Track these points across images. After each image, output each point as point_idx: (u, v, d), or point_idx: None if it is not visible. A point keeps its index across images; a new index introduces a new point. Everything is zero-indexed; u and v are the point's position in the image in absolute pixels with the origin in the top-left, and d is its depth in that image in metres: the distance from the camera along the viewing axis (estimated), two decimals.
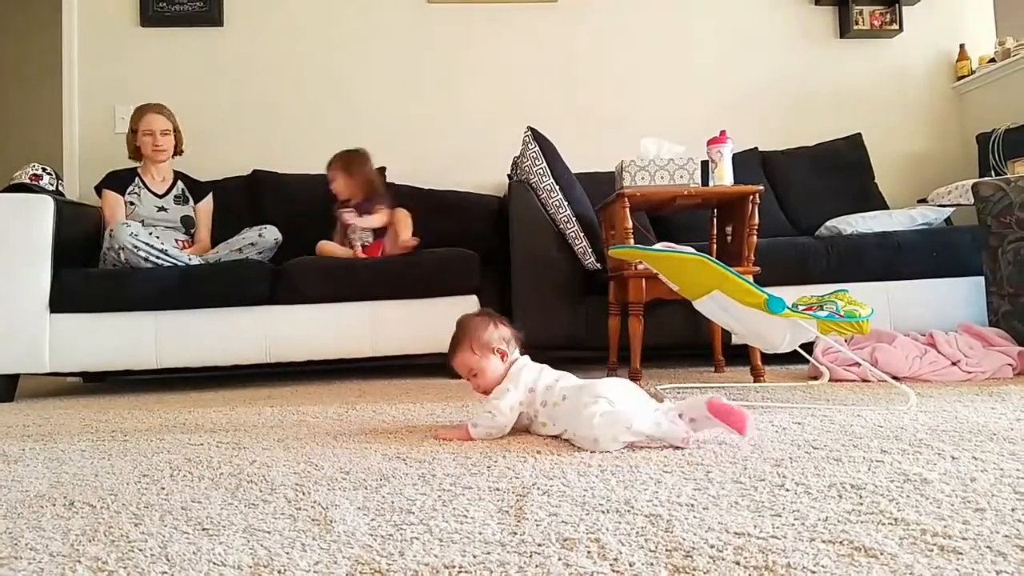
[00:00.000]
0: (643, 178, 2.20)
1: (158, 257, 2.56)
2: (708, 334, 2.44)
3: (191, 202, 2.98)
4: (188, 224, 2.94)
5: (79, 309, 2.46)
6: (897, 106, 3.81)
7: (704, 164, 2.26)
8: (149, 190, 2.87)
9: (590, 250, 2.55)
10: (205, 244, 2.96)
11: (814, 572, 0.66)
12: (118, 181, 2.85)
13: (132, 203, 2.82)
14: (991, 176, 3.12)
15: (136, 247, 2.51)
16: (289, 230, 2.94)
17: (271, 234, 2.83)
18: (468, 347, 1.45)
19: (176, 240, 2.84)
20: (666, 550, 0.73)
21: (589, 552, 0.73)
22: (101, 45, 3.48)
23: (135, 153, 2.93)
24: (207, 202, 3.03)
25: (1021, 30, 3.63)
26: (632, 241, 2.16)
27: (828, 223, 2.83)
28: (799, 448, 1.20)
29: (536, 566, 0.70)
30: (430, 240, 2.84)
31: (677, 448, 1.22)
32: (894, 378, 1.84)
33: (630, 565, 0.69)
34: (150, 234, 2.60)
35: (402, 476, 1.09)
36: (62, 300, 2.45)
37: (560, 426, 1.35)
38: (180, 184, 2.98)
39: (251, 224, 2.98)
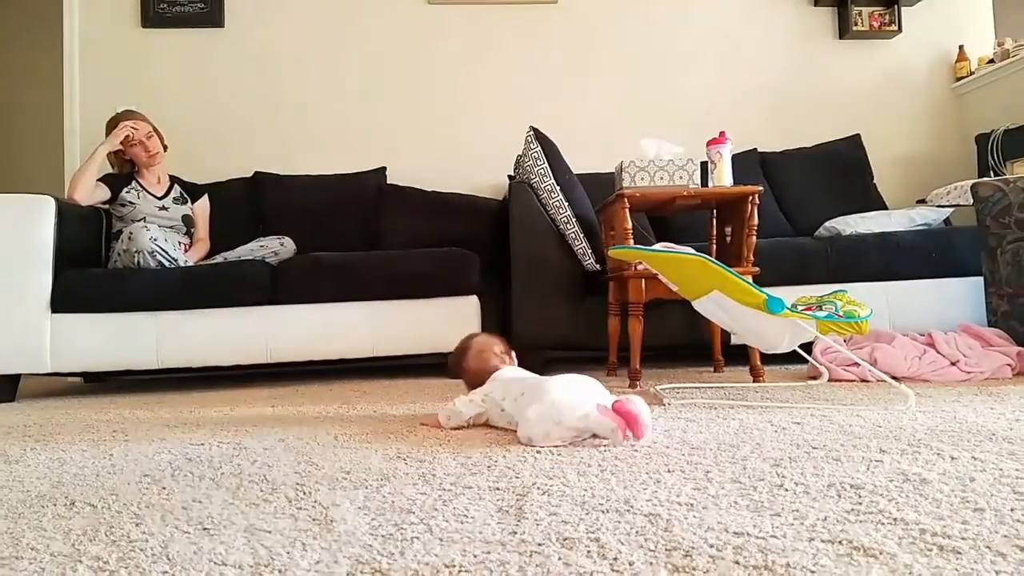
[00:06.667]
0: (643, 179, 2.20)
1: (171, 263, 2.59)
2: (707, 334, 2.44)
3: (189, 202, 2.99)
4: (188, 223, 2.95)
5: (80, 309, 2.46)
6: (896, 107, 3.81)
7: (703, 165, 2.26)
8: (148, 192, 2.87)
9: (589, 251, 2.55)
10: (205, 244, 2.97)
11: (813, 572, 0.66)
12: (112, 178, 2.85)
13: (132, 202, 2.82)
14: (990, 177, 3.12)
15: (153, 251, 2.54)
16: (291, 232, 2.95)
17: (291, 244, 2.87)
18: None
19: (179, 242, 2.84)
20: (665, 550, 0.73)
21: (589, 551, 0.73)
22: (102, 46, 3.48)
23: (122, 166, 2.91)
24: (204, 202, 3.04)
25: (1020, 31, 3.63)
26: (632, 241, 2.16)
27: (827, 224, 2.84)
28: (798, 448, 1.20)
29: (536, 565, 0.70)
30: (432, 241, 2.84)
31: (614, 443, 1.26)
32: (893, 378, 1.84)
33: (629, 564, 0.69)
34: (166, 240, 2.62)
35: (402, 476, 1.09)
36: (63, 300, 2.45)
37: (515, 423, 1.39)
38: (177, 187, 2.99)
39: (253, 226, 2.98)
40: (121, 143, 2.81)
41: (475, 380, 1.61)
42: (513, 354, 1.71)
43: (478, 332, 1.77)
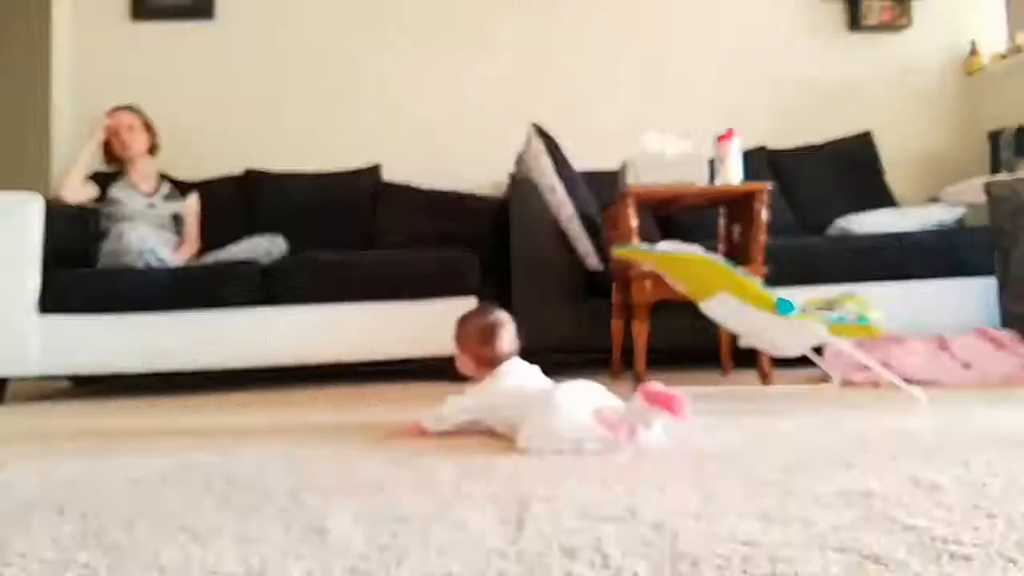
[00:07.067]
0: (648, 175, 2.18)
1: (159, 263, 2.59)
2: (715, 336, 2.41)
3: (179, 201, 2.99)
4: (178, 222, 2.96)
5: (69, 310, 2.44)
6: (907, 102, 3.78)
7: (711, 162, 2.24)
8: (136, 190, 2.88)
9: (592, 250, 2.53)
10: (195, 243, 2.97)
11: None
12: (101, 176, 2.87)
13: (120, 200, 2.82)
14: (1002, 174, 3.08)
15: (142, 251, 2.54)
16: (284, 231, 2.92)
17: (283, 243, 2.86)
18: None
19: (168, 241, 2.84)
20: (671, 560, 0.71)
21: (592, 562, 0.71)
22: (92, 39, 3.47)
23: (111, 158, 2.92)
24: (193, 200, 3.04)
25: None
26: (637, 240, 2.14)
27: (838, 222, 2.81)
28: (808, 454, 1.18)
29: None
30: (430, 241, 2.83)
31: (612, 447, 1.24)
32: (905, 381, 1.81)
33: (634, 575, 0.67)
34: (156, 239, 2.63)
35: (399, 483, 1.08)
36: (51, 301, 2.44)
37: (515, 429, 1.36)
38: (166, 185, 2.99)
39: (244, 225, 2.97)
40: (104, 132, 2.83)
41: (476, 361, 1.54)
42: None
43: (489, 309, 1.63)
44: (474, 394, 1.48)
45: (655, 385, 1.25)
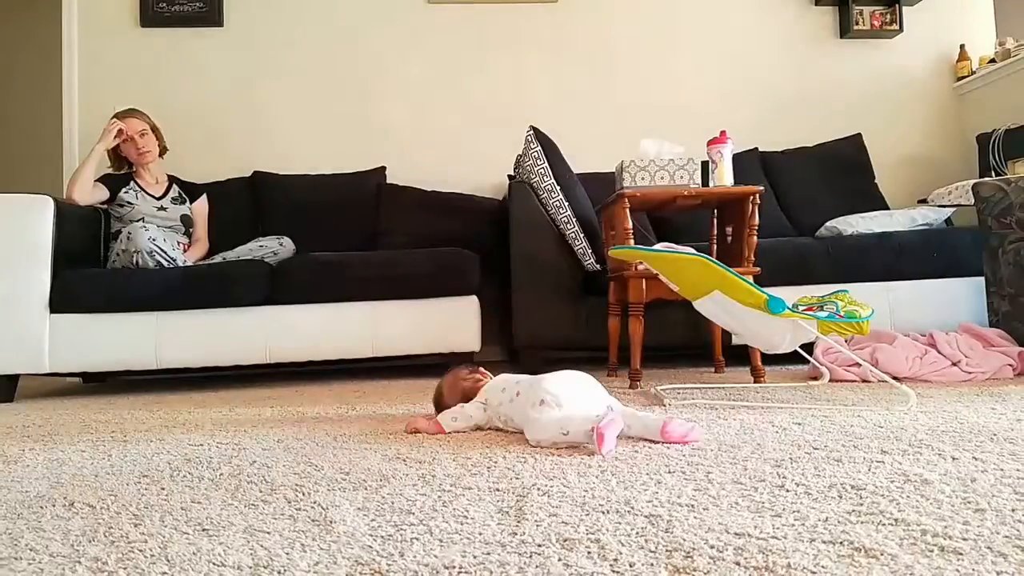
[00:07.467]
0: (643, 178, 2.20)
1: (169, 263, 2.59)
2: (708, 334, 2.44)
3: (188, 202, 2.99)
4: (187, 223, 2.95)
5: (79, 309, 2.46)
6: (897, 106, 3.81)
7: (704, 164, 2.26)
8: (146, 192, 2.88)
9: (590, 251, 2.55)
10: (204, 244, 2.97)
11: (814, 573, 0.66)
12: (110, 179, 2.86)
13: (131, 202, 2.82)
14: (991, 176, 3.12)
15: (151, 251, 2.54)
16: (290, 231, 2.95)
17: (290, 244, 2.88)
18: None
19: (178, 242, 2.84)
20: (666, 550, 0.73)
21: (589, 552, 0.73)
22: (101, 45, 3.48)
23: (119, 163, 2.92)
24: (202, 202, 3.04)
25: (1021, 30, 3.63)
26: (632, 241, 2.16)
27: (828, 223, 2.83)
28: (799, 448, 1.20)
29: (536, 567, 0.70)
30: (432, 241, 2.84)
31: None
32: (894, 378, 1.84)
33: (630, 566, 0.69)
34: (165, 240, 2.62)
35: (402, 477, 1.09)
36: (62, 300, 2.45)
37: (515, 423, 1.41)
38: (175, 187, 2.99)
39: (252, 226, 2.97)
40: (115, 138, 2.82)
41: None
42: (482, 369, 1.66)
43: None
44: (480, 397, 1.53)
45: (678, 427, 1.26)
